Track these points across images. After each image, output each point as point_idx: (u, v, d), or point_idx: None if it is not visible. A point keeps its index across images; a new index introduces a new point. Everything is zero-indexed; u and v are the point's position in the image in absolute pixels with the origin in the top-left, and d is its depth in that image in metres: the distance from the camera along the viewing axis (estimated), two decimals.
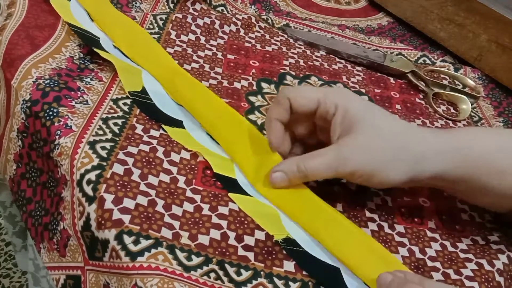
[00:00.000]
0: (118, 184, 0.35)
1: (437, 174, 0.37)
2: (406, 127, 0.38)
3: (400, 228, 0.40)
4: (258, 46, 0.56)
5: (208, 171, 0.39)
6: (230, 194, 0.38)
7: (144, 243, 0.32)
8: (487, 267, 0.38)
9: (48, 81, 0.41)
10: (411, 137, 0.37)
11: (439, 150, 0.37)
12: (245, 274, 0.33)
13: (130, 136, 0.39)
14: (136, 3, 0.56)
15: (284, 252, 0.35)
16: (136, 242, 0.32)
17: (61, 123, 0.38)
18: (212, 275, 0.32)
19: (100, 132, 0.39)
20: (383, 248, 0.37)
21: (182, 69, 0.48)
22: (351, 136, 0.36)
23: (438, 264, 0.38)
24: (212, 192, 0.38)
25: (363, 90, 0.54)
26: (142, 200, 0.35)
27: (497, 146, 0.37)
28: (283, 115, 0.39)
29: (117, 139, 0.39)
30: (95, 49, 0.45)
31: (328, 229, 0.37)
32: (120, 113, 0.41)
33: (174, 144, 0.40)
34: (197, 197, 0.37)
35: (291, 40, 0.60)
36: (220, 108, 0.45)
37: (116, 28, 0.49)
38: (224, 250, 0.34)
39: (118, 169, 0.36)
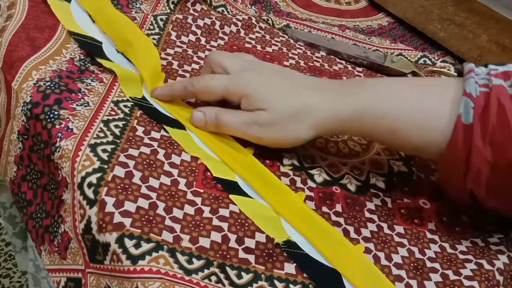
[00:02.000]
0: (119, 187, 0.35)
1: (337, 131, 0.43)
2: (307, 92, 0.41)
3: (399, 229, 0.40)
4: (259, 47, 0.56)
5: (209, 173, 0.39)
6: (231, 196, 0.38)
7: (145, 246, 0.32)
8: (487, 266, 0.38)
9: (49, 83, 0.41)
10: (313, 103, 0.40)
11: (334, 113, 0.40)
12: (246, 277, 0.33)
13: (131, 138, 0.39)
14: (136, 4, 0.56)
15: (285, 254, 0.35)
16: (137, 246, 0.32)
17: (62, 125, 0.38)
18: (213, 278, 0.32)
19: (101, 134, 0.39)
20: (372, 263, 0.37)
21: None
22: (259, 111, 0.40)
23: (437, 265, 0.38)
24: (213, 195, 0.38)
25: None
26: (143, 203, 0.35)
27: (388, 103, 0.39)
28: (186, 97, 0.45)
29: (118, 141, 0.39)
30: (97, 59, 0.45)
31: (321, 236, 0.37)
32: (121, 115, 0.41)
33: (175, 146, 0.40)
34: (198, 200, 0.37)
35: (292, 41, 0.60)
36: None
37: (117, 30, 0.49)
38: (225, 253, 0.34)
39: (119, 171, 0.36)
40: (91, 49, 0.46)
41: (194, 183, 0.38)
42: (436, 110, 0.38)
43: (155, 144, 0.40)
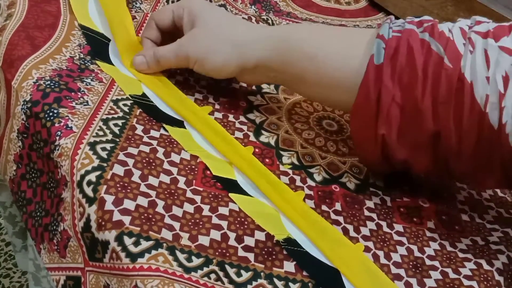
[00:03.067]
0: (118, 185, 0.35)
1: (260, 62, 0.42)
2: (235, 21, 0.45)
3: (398, 227, 0.40)
4: None
5: (208, 172, 0.39)
6: (230, 194, 0.38)
7: (145, 244, 0.32)
8: (486, 266, 0.38)
9: (49, 82, 0.41)
10: (237, 29, 0.44)
11: (258, 38, 0.42)
12: (245, 275, 0.33)
13: (130, 137, 0.39)
14: (136, 3, 0.56)
15: (285, 252, 0.35)
16: (136, 243, 0.32)
17: (62, 124, 0.38)
18: (213, 276, 0.32)
19: (101, 133, 0.39)
20: (372, 263, 0.37)
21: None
22: (191, 30, 0.44)
23: (436, 263, 0.38)
24: (212, 193, 0.38)
25: None
26: (143, 201, 0.35)
27: (310, 34, 0.42)
28: (153, 33, 0.47)
29: (118, 140, 0.39)
30: (97, 61, 0.45)
31: (320, 234, 0.37)
32: (121, 114, 0.41)
33: (175, 145, 0.40)
34: (197, 198, 0.37)
35: None
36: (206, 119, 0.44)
37: (120, 32, 0.49)
38: (224, 251, 0.34)
39: (119, 170, 0.36)
40: (97, 45, 0.47)
41: (194, 181, 0.38)
42: (352, 49, 0.39)
43: (154, 142, 0.40)
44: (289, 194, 0.40)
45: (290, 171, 0.42)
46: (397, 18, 0.41)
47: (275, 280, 0.33)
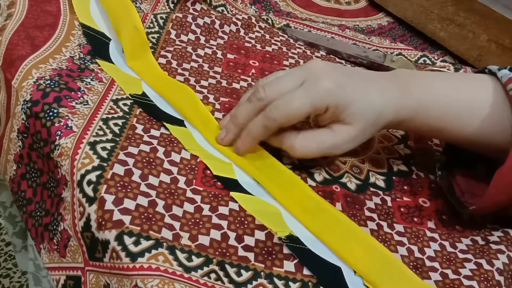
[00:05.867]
0: (118, 184, 0.35)
1: (391, 126, 0.41)
2: (379, 100, 0.39)
3: (399, 227, 0.40)
4: (258, 46, 0.56)
5: (208, 171, 0.39)
6: (232, 193, 0.38)
7: (145, 243, 0.32)
8: (486, 266, 0.38)
9: (49, 81, 0.41)
10: (384, 110, 0.39)
11: (400, 117, 0.39)
12: (246, 275, 0.33)
13: (130, 136, 0.39)
14: (136, 3, 0.56)
15: (286, 251, 0.35)
16: (136, 243, 0.32)
17: (62, 123, 0.38)
18: (213, 275, 0.32)
19: (101, 132, 0.39)
20: (383, 246, 0.37)
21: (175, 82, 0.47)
22: (344, 127, 0.39)
23: (436, 264, 0.38)
24: (212, 193, 0.38)
25: None
26: (143, 200, 0.35)
27: (438, 106, 0.40)
28: (266, 136, 0.39)
29: (118, 139, 0.39)
30: (97, 60, 0.45)
31: (329, 227, 0.37)
32: (120, 113, 0.41)
33: (175, 144, 0.40)
34: (197, 198, 0.37)
35: (291, 40, 0.60)
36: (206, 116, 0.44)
37: (124, 32, 0.49)
38: (224, 250, 0.34)
39: (119, 169, 0.36)
40: (97, 44, 0.47)
41: (194, 181, 0.38)
42: (485, 109, 0.38)
43: (154, 142, 0.40)
44: (299, 184, 0.40)
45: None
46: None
47: (275, 279, 0.33)
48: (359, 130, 0.38)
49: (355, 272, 0.35)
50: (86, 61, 0.46)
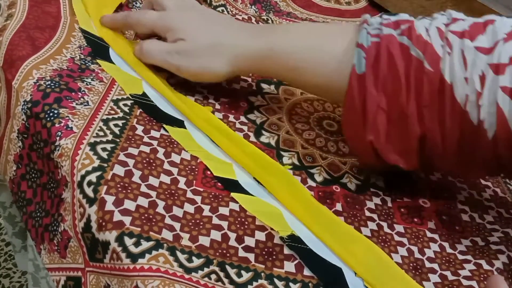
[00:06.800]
0: (119, 185, 0.35)
1: (251, 71, 0.48)
2: (222, 34, 0.44)
3: (399, 228, 0.40)
4: None
5: (209, 172, 0.39)
6: (232, 194, 0.38)
7: (145, 244, 0.32)
8: (486, 266, 0.38)
9: (49, 82, 0.41)
10: (225, 43, 0.43)
11: (248, 55, 0.43)
12: (246, 276, 0.33)
13: (130, 137, 0.39)
14: (136, 3, 0.56)
15: (286, 251, 0.35)
16: (137, 244, 0.32)
17: (62, 124, 0.38)
18: (213, 276, 0.32)
19: (101, 133, 0.39)
20: (381, 250, 0.37)
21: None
22: (180, 41, 0.44)
23: (436, 266, 0.38)
24: (213, 193, 0.38)
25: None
26: (143, 201, 0.35)
27: (291, 42, 0.43)
28: (125, 27, 0.50)
29: (118, 140, 0.39)
30: (97, 59, 0.45)
31: (330, 228, 0.37)
32: (121, 114, 0.41)
33: (175, 145, 0.40)
34: (198, 198, 0.37)
35: None
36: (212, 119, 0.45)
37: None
38: (224, 251, 0.34)
39: (119, 170, 0.36)
40: (97, 46, 0.47)
41: (194, 181, 0.38)
42: (335, 56, 0.40)
43: (154, 142, 0.40)
44: (298, 186, 0.40)
45: (291, 172, 0.42)
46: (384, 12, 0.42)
47: (276, 280, 0.33)
48: (192, 46, 0.43)
49: (355, 273, 0.35)
50: (86, 62, 0.46)
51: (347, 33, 0.41)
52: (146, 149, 0.39)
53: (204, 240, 0.34)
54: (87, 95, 0.42)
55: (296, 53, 0.42)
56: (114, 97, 0.43)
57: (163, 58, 0.44)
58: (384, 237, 0.39)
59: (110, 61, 0.46)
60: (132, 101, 0.43)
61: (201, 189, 0.38)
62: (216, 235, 0.35)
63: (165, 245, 0.33)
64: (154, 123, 0.41)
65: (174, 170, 0.38)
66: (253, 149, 0.42)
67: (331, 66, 0.40)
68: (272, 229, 0.36)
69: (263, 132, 0.45)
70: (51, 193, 0.39)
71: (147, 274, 0.31)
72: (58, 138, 0.38)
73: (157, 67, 0.46)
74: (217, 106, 0.46)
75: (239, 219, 0.37)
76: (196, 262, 0.33)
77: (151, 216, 0.34)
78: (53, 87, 0.41)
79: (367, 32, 0.38)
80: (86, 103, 0.41)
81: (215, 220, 0.36)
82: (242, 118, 0.46)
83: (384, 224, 0.40)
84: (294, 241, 0.36)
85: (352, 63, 0.38)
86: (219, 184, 0.39)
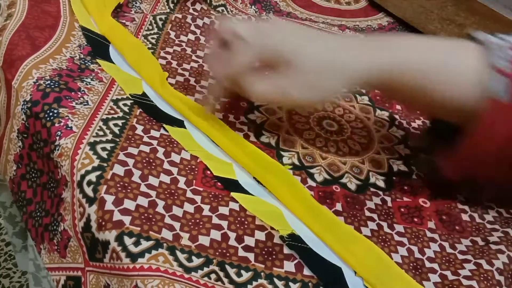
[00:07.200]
0: (118, 185, 0.35)
1: (369, 85, 0.42)
2: (337, 54, 0.39)
3: (399, 228, 0.40)
4: None
5: (208, 172, 0.39)
6: (232, 194, 0.38)
7: (145, 244, 0.32)
8: (486, 266, 0.38)
9: (49, 81, 0.41)
10: (340, 63, 0.38)
11: (374, 69, 0.38)
12: (246, 275, 0.33)
13: (130, 136, 0.39)
14: (136, 3, 0.56)
15: (286, 251, 0.35)
16: (136, 243, 0.32)
17: (62, 124, 0.38)
18: (213, 276, 0.32)
19: (101, 133, 0.39)
20: (381, 250, 0.37)
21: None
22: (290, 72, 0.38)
23: (436, 266, 0.38)
24: (213, 193, 0.38)
25: (363, 90, 0.54)
26: (143, 201, 0.35)
27: (416, 65, 0.39)
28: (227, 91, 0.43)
29: (118, 140, 0.39)
30: (97, 59, 0.45)
31: (331, 228, 0.37)
32: (120, 114, 0.41)
33: (175, 145, 0.40)
34: (198, 198, 0.37)
35: None
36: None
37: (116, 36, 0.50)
38: (224, 251, 0.34)
39: (119, 170, 0.36)
40: (97, 46, 0.47)
41: (194, 181, 0.38)
42: (465, 76, 0.37)
43: (154, 142, 0.40)
44: (298, 186, 0.40)
45: (291, 171, 0.42)
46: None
47: (275, 280, 0.33)
48: (312, 77, 0.38)
49: (355, 272, 0.35)
50: (86, 62, 0.46)
51: (467, 50, 0.38)
52: (146, 148, 0.39)
53: (203, 240, 0.34)
54: (87, 94, 0.42)
55: (421, 71, 0.38)
56: (114, 96, 0.43)
57: (281, 96, 0.38)
58: (384, 237, 0.39)
59: (110, 60, 0.46)
60: (132, 101, 0.43)
61: (201, 189, 0.38)
62: (216, 234, 0.35)
63: (164, 244, 0.33)
64: (154, 123, 0.41)
65: (174, 170, 0.38)
66: (253, 149, 0.42)
67: (462, 86, 0.38)
68: (272, 228, 0.36)
69: (263, 132, 0.45)
70: (51, 193, 0.39)
71: (147, 273, 0.31)
72: (58, 137, 0.38)
73: (157, 68, 0.46)
74: (217, 106, 0.46)
75: (239, 218, 0.37)
76: (196, 261, 0.33)
77: (150, 216, 0.34)
78: (52, 86, 0.41)
79: (498, 56, 0.36)
80: (85, 103, 0.41)
81: (215, 220, 0.36)
82: (242, 118, 0.46)
83: (384, 224, 0.40)
84: (294, 240, 0.36)
85: (489, 87, 0.36)
86: (219, 183, 0.39)
